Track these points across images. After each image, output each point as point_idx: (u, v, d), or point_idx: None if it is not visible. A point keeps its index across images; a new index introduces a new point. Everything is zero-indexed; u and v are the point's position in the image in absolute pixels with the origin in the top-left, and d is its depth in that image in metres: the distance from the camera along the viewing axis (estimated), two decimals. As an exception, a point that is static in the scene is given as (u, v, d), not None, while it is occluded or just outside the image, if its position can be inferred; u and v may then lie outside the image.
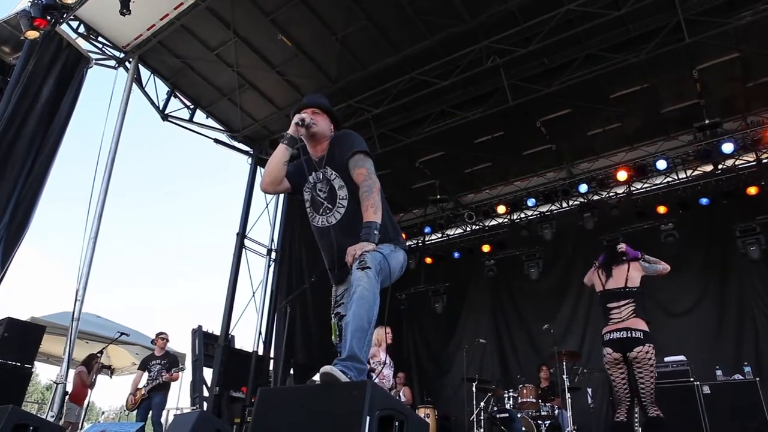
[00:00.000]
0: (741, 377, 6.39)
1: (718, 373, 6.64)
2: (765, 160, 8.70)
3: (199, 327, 8.43)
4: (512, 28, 7.27)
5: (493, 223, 11.13)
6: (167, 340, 7.85)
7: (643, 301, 4.62)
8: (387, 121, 9.04)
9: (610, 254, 5.01)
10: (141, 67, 8.51)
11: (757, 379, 6.12)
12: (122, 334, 7.87)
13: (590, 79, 7.53)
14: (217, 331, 8.51)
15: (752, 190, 8.55)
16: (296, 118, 2.69)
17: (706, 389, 6.23)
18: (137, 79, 8.51)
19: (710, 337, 8.31)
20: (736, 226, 8.35)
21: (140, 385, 7.48)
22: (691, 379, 6.37)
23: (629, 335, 4.44)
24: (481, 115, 8.30)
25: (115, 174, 7.44)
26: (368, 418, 1.78)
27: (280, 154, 2.72)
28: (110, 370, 8.37)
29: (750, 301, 8.16)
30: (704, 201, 8.98)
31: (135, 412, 7.50)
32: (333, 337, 2.51)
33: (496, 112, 8.21)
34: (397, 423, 1.93)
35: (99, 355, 7.73)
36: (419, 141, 8.99)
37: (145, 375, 7.55)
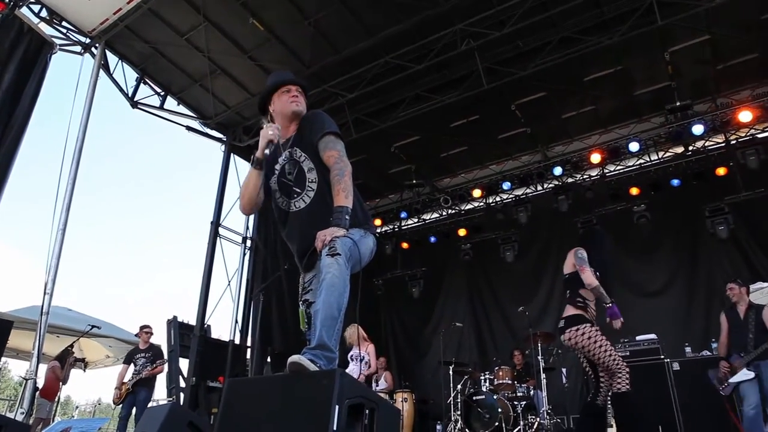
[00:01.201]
0: (709, 353, 6.56)
1: (687, 350, 6.81)
2: (733, 142, 8.87)
3: (174, 317, 8.33)
4: (486, 10, 7.22)
5: (469, 207, 11.18)
6: (151, 333, 7.74)
7: (574, 286, 4.39)
8: (361, 106, 8.94)
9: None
10: (108, 53, 8.24)
11: (724, 355, 6.28)
12: (93, 327, 7.73)
13: (564, 62, 7.53)
14: (193, 321, 8.43)
15: (721, 171, 8.74)
16: (264, 140, 2.51)
17: (676, 366, 6.39)
18: (104, 66, 8.25)
19: (681, 315, 8.50)
20: (706, 206, 8.51)
21: (125, 379, 7.38)
22: (662, 357, 6.52)
23: (560, 325, 4.39)
24: (456, 98, 8.26)
25: (87, 167, 7.27)
26: (338, 407, 1.77)
27: (254, 179, 2.60)
28: (84, 364, 8.23)
29: (719, 279, 8.33)
30: (675, 182, 9.14)
31: (120, 407, 7.39)
32: (302, 325, 2.46)
33: (471, 96, 8.18)
34: (367, 411, 1.91)
35: (71, 348, 7.59)
36: (394, 126, 8.92)
37: (131, 368, 7.46)
